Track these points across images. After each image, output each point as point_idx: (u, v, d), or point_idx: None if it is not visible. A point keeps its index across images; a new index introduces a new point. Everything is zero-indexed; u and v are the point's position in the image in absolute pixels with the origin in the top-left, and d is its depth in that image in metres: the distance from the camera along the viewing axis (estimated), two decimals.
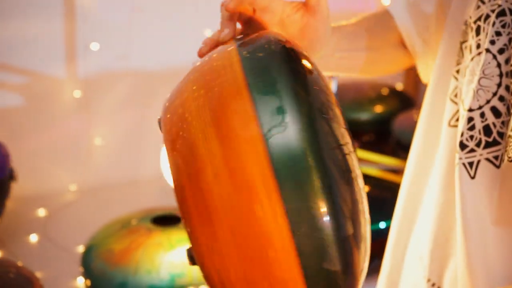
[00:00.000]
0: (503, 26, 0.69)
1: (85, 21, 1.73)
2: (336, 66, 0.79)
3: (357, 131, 1.89)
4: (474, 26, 0.72)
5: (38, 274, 1.34)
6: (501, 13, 0.69)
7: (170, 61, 1.82)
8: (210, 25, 1.80)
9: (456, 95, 0.76)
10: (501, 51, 0.69)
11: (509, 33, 0.68)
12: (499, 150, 0.69)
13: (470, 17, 0.73)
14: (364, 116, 1.94)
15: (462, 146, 0.71)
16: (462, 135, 0.72)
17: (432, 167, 0.80)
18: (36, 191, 1.72)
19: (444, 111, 0.77)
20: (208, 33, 1.80)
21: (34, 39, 1.69)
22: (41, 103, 1.76)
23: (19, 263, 1.24)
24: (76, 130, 1.80)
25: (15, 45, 1.68)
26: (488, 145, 0.70)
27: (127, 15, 1.76)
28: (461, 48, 0.75)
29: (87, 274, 1.17)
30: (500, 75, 0.69)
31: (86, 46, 1.74)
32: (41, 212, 1.66)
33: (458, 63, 0.76)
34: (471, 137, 0.71)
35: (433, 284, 0.79)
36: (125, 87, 1.82)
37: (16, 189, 1.62)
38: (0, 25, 1.67)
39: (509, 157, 0.65)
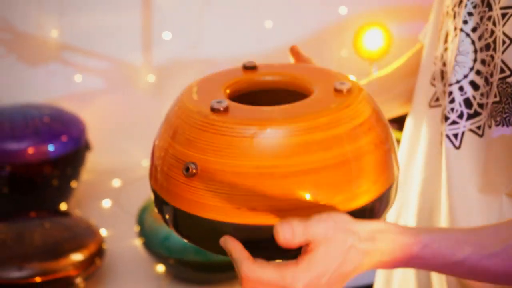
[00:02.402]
0: (474, 7, 0.75)
1: (159, 12, 1.89)
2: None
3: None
4: (452, 13, 0.78)
5: (104, 232, 1.53)
6: None
7: (234, 50, 1.95)
8: (271, 17, 1.92)
9: (434, 79, 0.84)
10: (474, 29, 0.74)
11: (479, 12, 0.74)
12: (480, 120, 0.74)
13: (448, 6, 0.81)
14: None
15: (445, 118, 0.77)
16: (444, 109, 0.78)
17: (418, 147, 0.86)
18: (112, 164, 1.87)
19: (427, 95, 0.84)
20: (269, 24, 1.93)
21: (114, 29, 1.85)
22: (120, 87, 1.92)
23: (91, 222, 1.44)
24: (149, 112, 1.94)
25: (98, 35, 1.85)
26: (470, 117, 0.75)
27: (197, 7, 1.91)
28: (439, 36, 0.83)
29: (141, 232, 1.34)
30: (475, 51, 0.74)
31: (159, 35, 1.90)
32: (116, 183, 1.84)
33: (436, 49, 0.83)
34: (452, 109, 0.76)
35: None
36: (194, 73, 1.96)
37: (95, 161, 1.81)
38: (85, 17, 1.84)
39: (496, 121, 0.71)
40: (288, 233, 0.57)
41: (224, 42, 1.95)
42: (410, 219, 0.87)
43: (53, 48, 1.83)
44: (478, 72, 0.74)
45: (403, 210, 0.90)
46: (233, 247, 0.59)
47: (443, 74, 0.81)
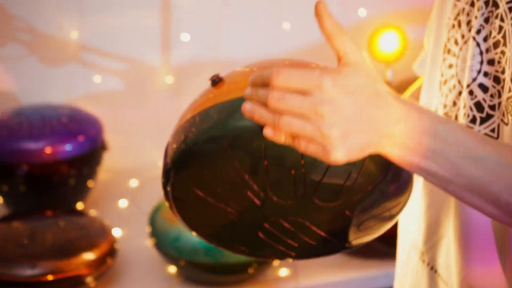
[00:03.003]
0: (477, 10, 0.75)
1: (177, 14, 1.90)
2: None
3: None
4: (456, 22, 0.79)
5: (119, 231, 1.54)
6: (472, 4, 0.76)
7: (252, 51, 1.96)
8: (289, 18, 1.93)
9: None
10: (478, 31, 0.75)
11: (483, 14, 0.74)
12: (494, 122, 0.74)
13: (449, 18, 0.81)
14: None
15: None
16: (458, 114, 0.79)
17: None
18: (129, 164, 1.88)
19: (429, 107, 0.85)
20: (286, 25, 1.93)
21: (133, 30, 1.87)
22: (138, 87, 1.94)
23: (105, 221, 1.45)
24: (167, 112, 1.94)
25: (118, 35, 1.87)
26: (482, 121, 0.75)
27: (216, 8, 1.92)
28: (440, 49, 0.83)
29: (152, 232, 1.35)
30: (481, 53, 0.75)
31: (177, 37, 1.91)
32: (133, 183, 1.85)
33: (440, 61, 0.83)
34: (464, 114, 0.76)
35: (428, 264, 0.86)
36: (211, 74, 1.98)
37: (112, 161, 1.82)
38: (105, 18, 1.86)
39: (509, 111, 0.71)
40: (329, 15, 0.62)
41: (242, 43, 1.96)
42: (417, 236, 0.87)
43: (72, 49, 1.86)
44: (486, 74, 0.74)
45: (411, 224, 0.90)
46: (259, 73, 0.61)
47: (440, 85, 0.81)
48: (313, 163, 0.62)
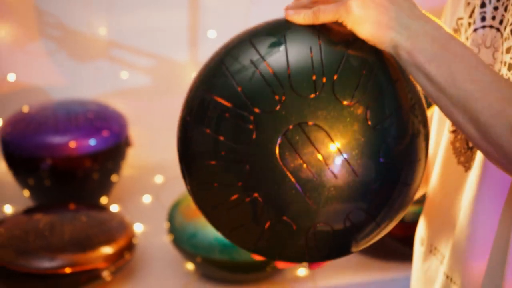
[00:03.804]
0: (498, 0, 0.74)
1: (205, 11, 1.91)
2: None
3: None
4: (471, 20, 0.78)
5: (141, 227, 1.55)
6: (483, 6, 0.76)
7: None
8: None
9: None
10: (500, 22, 0.75)
11: (503, 3, 0.74)
12: None
13: (462, 18, 0.79)
14: None
15: None
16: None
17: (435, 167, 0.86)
18: (155, 160, 1.90)
19: (446, 120, 0.84)
20: None
21: (161, 27, 1.88)
22: (165, 83, 1.96)
23: (126, 216, 1.46)
24: None
25: (146, 33, 1.88)
26: None
27: (243, 6, 1.91)
28: None
29: (170, 228, 1.35)
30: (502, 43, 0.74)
31: (204, 33, 1.92)
32: (158, 179, 1.86)
33: None
34: None
35: (435, 248, 0.86)
36: None
37: (138, 157, 1.84)
38: (133, 15, 1.88)
39: None
40: None
41: None
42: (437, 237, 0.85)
43: (101, 45, 1.88)
44: (505, 63, 0.73)
45: (425, 220, 0.88)
46: None
47: None
48: (330, 44, 0.65)
